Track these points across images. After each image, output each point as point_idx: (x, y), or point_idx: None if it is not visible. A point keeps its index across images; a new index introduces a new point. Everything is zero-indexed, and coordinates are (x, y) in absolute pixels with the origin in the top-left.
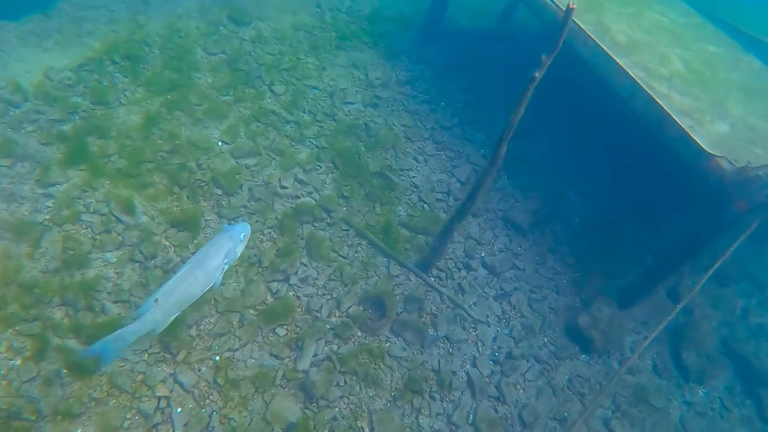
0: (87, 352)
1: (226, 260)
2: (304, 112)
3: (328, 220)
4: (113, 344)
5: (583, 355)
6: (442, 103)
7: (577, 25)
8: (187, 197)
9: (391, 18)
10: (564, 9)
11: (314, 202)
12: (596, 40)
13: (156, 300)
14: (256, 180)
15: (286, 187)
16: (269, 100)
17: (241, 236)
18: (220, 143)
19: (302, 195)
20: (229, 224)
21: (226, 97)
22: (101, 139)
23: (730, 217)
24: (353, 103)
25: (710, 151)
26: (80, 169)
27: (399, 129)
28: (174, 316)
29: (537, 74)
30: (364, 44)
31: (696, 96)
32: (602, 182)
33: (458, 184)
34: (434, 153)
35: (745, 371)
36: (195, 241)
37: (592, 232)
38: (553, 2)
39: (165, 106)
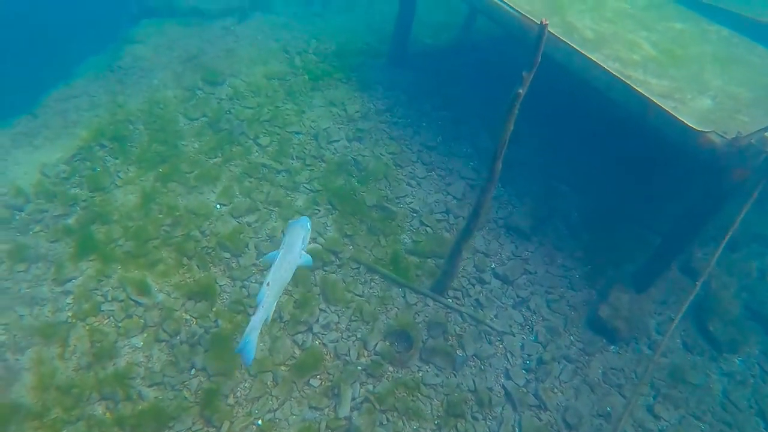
0: (237, 350)
1: (303, 245)
2: (293, 159)
3: (338, 262)
4: (250, 336)
5: (612, 346)
6: (423, 124)
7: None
8: (198, 266)
9: (358, 51)
10: (525, 15)
11: (320, 246)
12: (566, 41)
13: (268, 284)
14: (259, 236)
15: None
16: (257, 154)
17: (308, 225)
18: (218, 206)
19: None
20: (292, 220)
21: (215, 159)
22: (105, 225)
23: (729, 187)
24: (338, 140)
25: (698, 128)
26: (91, 260)
27: (387, 158)
28: (277, 300)
29: (521, 91)
30: (337, 81)
31: (672, 76)
32: (593, 172)
33: (455, 201)
34: (425, 175)
35: None
36: (214, 309)
37: (593, 223)
38: (517, 11)
39: (158, 179)
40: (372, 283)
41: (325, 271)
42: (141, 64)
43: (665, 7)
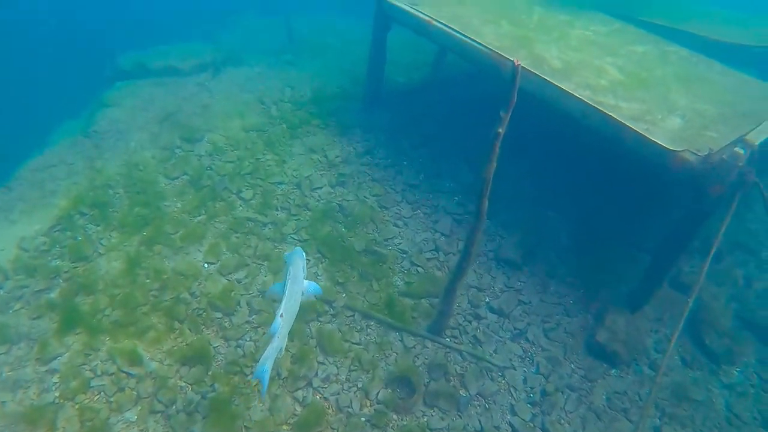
0: (254, 377)
1: (304, 274)
2: (278, 210)
3: (332, 312)
4: (266, 365)
5: (613, 370)
6: (404, 163)
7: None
8: (190, 330)
9: (333, 95)
10: (496, 51)
11: (313, 297)
12: (537, 73)
13: (281, 315)
14: (251, 292)
15: None
16: (241, 208)
17: (303, 255)
18: (206, 265)
19: None
20: (287, 253)
21: (199, 218)
22: (90, 296)
23: (710, 202)
24: (321, 187)
25: (672, 148)
26: (77, 333)
27: (371, 200)
28: (289, 329)
29: (500, 130)
30: (315, 127)
31: (641, 99)
32: (578, 196)
33: (443, 238)
34: (411, 214)
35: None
36: (209, 373)
37: (582, 247)
38: (488, 48)
39: (143, 243)
40: (368, 330)
41: (320, 321)
42: (117, 126)
43: (625, 31)
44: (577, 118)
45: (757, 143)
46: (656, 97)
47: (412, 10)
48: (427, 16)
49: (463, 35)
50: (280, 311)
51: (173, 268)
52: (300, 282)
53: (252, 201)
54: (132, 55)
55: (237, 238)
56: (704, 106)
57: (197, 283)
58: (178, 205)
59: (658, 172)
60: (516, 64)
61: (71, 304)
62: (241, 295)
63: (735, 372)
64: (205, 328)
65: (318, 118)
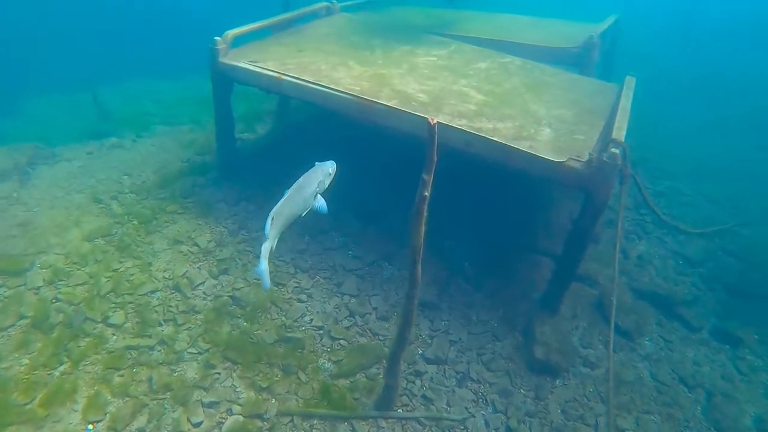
0: (254, 273)
1: (318, 189)
2: (162, 325)
3: (267, 426)
4: (262, 264)
5: (557, 381)
6: (284, 229)
7: (386, 106)
8: None
9: (181, 172)
10: (360, 96)
11: (240, 417)
12: (411, 111)
13: (272, 219)
14: None
15: (200, 422)
16: (115, 338)
17: (329, 170)
18: (89, 428)
19: (222, 418)
20: (319, 162)
21: (61, 368)
22: None
23: (602, 202)
24: (203, 282)
25: (558, 160)
26: None
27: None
28: (281, 232)
29: (425, 193)
30: (173, 214)
31: (509, 116)
32: (467, 219)
33: (354, 300)
34: (312, 283)
35: (657, 301)
36: None
37: (487, 267)
38: (350, 94)
39: None
40: (313, 431)
41: None
42: None
43: (462, 50)
44: (461, 148)
45: (623, 140)
46: (520, 111)
47: (256, 69)
48: (275, 72)
49: (322, 86)
50: (271, 214)
51: None
52: (306, 193)
53: (126, 324)
54: None
55: (121, 376)
56: (560, 111)
57: None
58: (24, 361)
59: (551, 183)
60: (432, 123)
61: None
62: None
63: (646, 342)
64: None
65: (172, 202)
